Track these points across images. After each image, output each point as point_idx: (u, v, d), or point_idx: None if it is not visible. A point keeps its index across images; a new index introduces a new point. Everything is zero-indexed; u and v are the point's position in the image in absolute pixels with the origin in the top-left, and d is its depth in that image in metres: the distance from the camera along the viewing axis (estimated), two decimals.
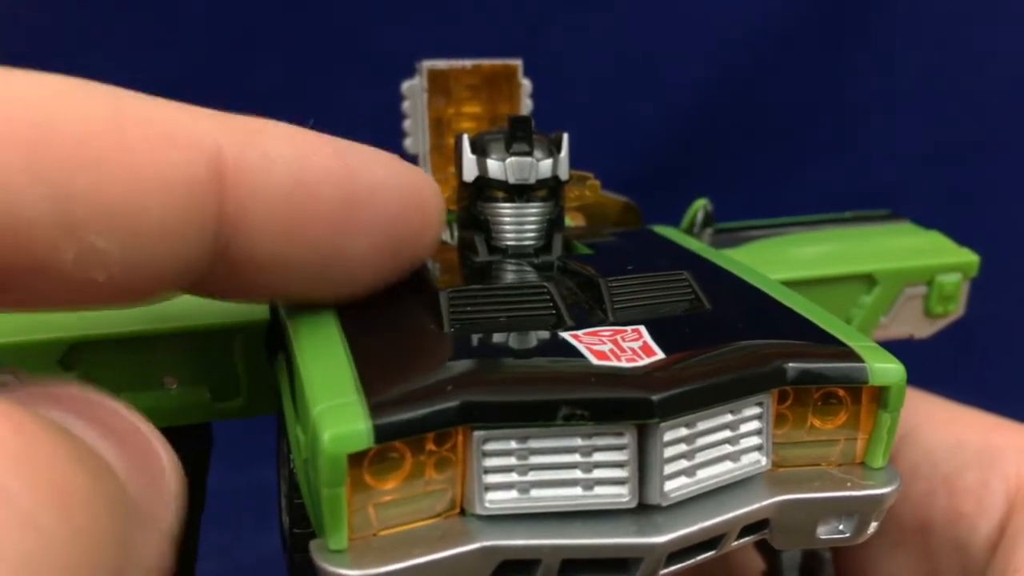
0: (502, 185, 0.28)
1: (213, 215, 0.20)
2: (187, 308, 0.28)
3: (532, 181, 0.28)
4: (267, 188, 0.21)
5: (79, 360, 0.27)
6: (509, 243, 0.28)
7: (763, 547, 0.31)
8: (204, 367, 0.28)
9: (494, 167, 0.28)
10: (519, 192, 0.28)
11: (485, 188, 0.28)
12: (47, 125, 0.18)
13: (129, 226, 0.19)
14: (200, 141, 0.20)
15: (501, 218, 0.28)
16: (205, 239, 0.20)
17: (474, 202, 0.28)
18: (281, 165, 0.21)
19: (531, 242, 0.28)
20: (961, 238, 0.35)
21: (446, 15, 0.63)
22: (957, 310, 0.35)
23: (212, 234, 0.20)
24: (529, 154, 0.27)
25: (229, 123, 0.21)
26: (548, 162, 0.28)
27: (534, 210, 0.28)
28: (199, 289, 0.22)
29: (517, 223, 0.28)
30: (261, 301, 0.26)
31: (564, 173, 0.28)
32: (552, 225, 0.29)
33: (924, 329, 0.35)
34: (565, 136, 0.28)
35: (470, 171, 0.28)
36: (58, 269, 0.19)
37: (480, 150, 0.28)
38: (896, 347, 0.23)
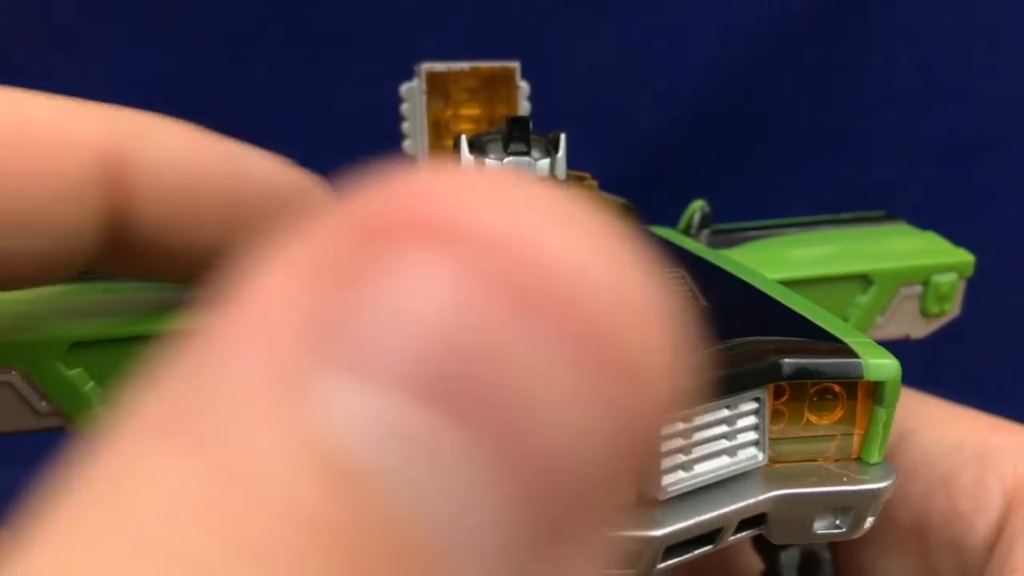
0: None
1: (101, 212, 0.21)
2: (189, 308, 0.28)
3: None
4: (155, 186, 0.22)
5: (81, 358, 0.27)
6: None
7: (761, 547, 0.31)
8: None
9: (492, 167, 0.28)
10: None
11: None
12: None
13: (32, 228, 0.20)
14: (91, 141, 0.21)
15: None
16: (92, 234, 0.21)
17: None
18: (170, 165, 0.22)
19: None
20: (960, 238, 0.36)
21: (445, 16, 0.63)
22: (953, 310, 0.35)
23: (100, 229, 0.22)
24: (526, 154, 0.28)
25: (121, 121, 0.22)
26: (545, 162, 0.28)
27: None
28: (96, 269, 0.24)
29: None
30: (163, 280, 0.28)
31: (561, 173, 0.29)
32: None
33: (920, 329, 0.35)
34: (563, 136, 0.28)
35: None
36: None
37: (478, 150, 0.28)
38: (893, 347, 0.24)
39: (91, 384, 0.27)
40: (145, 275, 0.26)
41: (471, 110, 0.34)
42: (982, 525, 0.30)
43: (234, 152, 0.24)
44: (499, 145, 0.28)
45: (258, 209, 0.24)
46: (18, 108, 0.21)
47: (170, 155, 0.22)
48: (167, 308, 0.28)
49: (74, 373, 0.27)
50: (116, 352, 0.27)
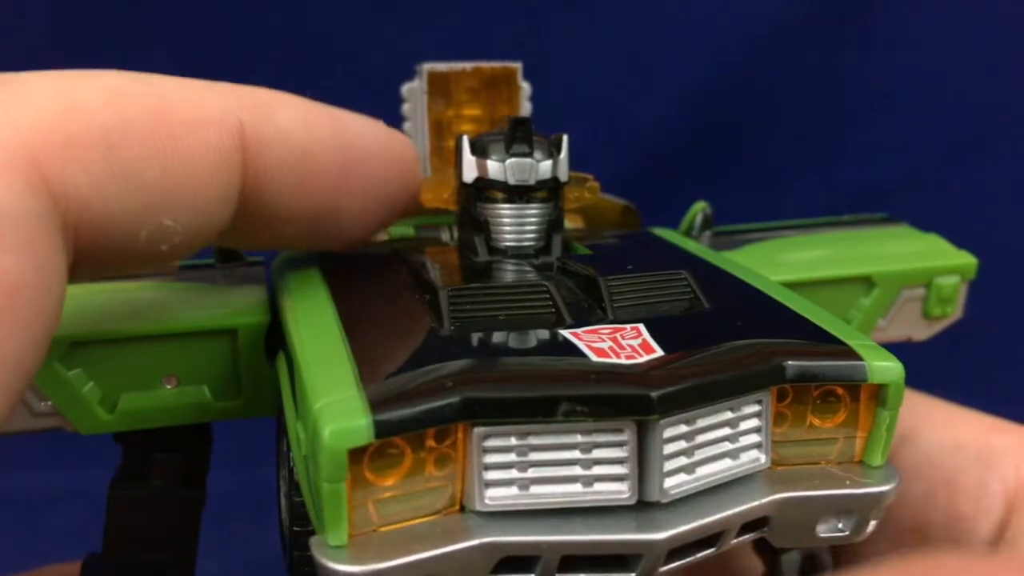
0: (502, 186, 0.28)
1: (239, 181, 0.23)
2: (188, 309, 0.28)
3: (532, 182, 0.28)
4: (279, 157, 0.23)
5: (79, 358, 0.27)
6: (509, 244, 0.28)
7: (763, 550, 0.31)
8: (204, 367, 0.28)
9: (494, 168, 0.28)
10: (519, 193, 0.28)
11: (485, 189, 0.28)
12: (116, 128, 0.21)
13: (187, 203, 0.22)
14: (227, 118, 0.22)
15: (501, 219, 0.28)
16: (233, 202, 0.23)
17: (473, 203, 0.28)
18: (291, 138, 0.24)
19: (531, 243, 0.28)
20: (960, 238, 0.36)
21: (445, 17, 0.63)
22: (955, 312, 0.35)
23: (237, 199, 0.23)
24: (529, 155, 0.28)
25: (246, 98, 0.23)
26: (548, 163, 0.28)
27: (534, 211, 0.28)
28: (220, 241, 0.25)
29: (517, 224, 0.28)
30: (268, 249, 0.30)
31: (564, 175, 0.28)
32: (552, 226, 0.29)
33: (922, 331, 0.35)
34: (565, 138, 0.28)
35: (470, 172, 0.28)
36: (132, 247, 0.22)
37: (480, 151, 0.28)
38: (894, 349, 0.23)
39: (90, 384, 0.27)
40: (261, 244, 0.27)
41: (472, 110, 0.34)
42: (983, 526, 0.30)
43: (342, 118, 0.25)
44: (501, 146, 0.28)
45: (365, 171, 0.25)
46: (155, 90, 0.22)
47: (290, 126, 0.24)
48: (166, 309, 0.28)
49: (73, 373, 0.27)
50: (115, 353, 0.27)
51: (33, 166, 0.19)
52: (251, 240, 0.26)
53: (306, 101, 0.25)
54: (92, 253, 0.21)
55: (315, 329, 0.23)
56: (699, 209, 0.36)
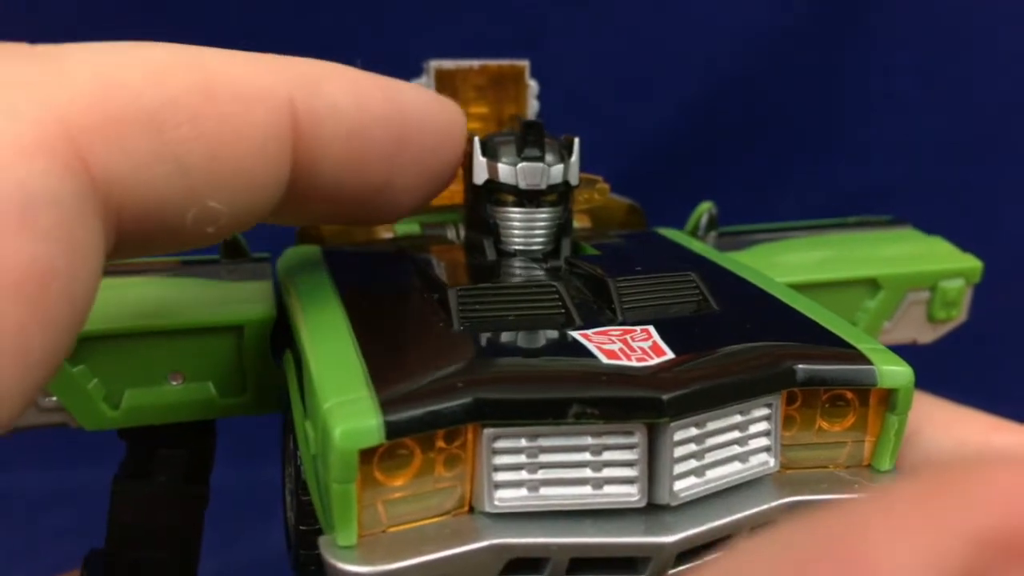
0: (512, 190, 0.28)
1: (289, 160, 0.22)
2: (195, 305, 0.28)
3: (543, 186, 0.28)
4: (331, 133, 0.22)
5: (85, 354, 0.26)
6: (517, 247, 0.28)
7: None
8: (210, 364, 0.28)
9: (505, 171, 0.27)
10: (529, 197, 0.28)
11: (495, 192, 0.28)
12: (161, 108, 0.19)
13: (234, 184, 0.21)
14: (276, 94, 0.21)
15: (510, 222, 0.28)
16: (285, 181, 0.22)
17: (483, 204, 0.28)
18: (342, 112, 0.22)
19: (539, 247, 0.28)
20: (962, 239, 0.36)
21: (447, 15, 0.63)
22: (960, 315, 0.35)
23: (288, 176, 0.22)
24: (540, 159, 0.27)
25: (295, 71, 0.22)
26: (559, 167, 0.28)
27: (544, 215, 0.28)
28: (270, 219, 0.24)
29: (526, 228, 0.28)
30: (320, 223, 0.29)
31: (574, 178, 0.28)
32: (561, 230, 0.29)
33: (927, 334, 0.35)
34: (576, 140, 0.28)
35: (480, 174, 0.28)
36: (179, 228, 0.21)
37: (491, 153, 0.28)
38: (899, 351, 0.23)
39: (95, 380, 0.27)
40: (314, 219, 0.26)
41: (479, 108, 0.34)
42: None
43: (394, 89, 0.24)
44: (512, 148, 0.28)
45: (418, 142, 0.24)
46: (200, 65, 0.21)
47: (342, 99, 0.23)
48: (171, 305, 0.28)
49: (78, 369, 0.27)
50: (120, 349, 0.27)
51: (71, 147, 0.18)
52: (303, 216, 0.25)
53: (356, 72, 0.23)
54: (135, 236, 0.20)
55: (324, 328, 0.23)
56: (705, 209, 0.35)
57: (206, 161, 0.20)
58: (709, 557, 0.21)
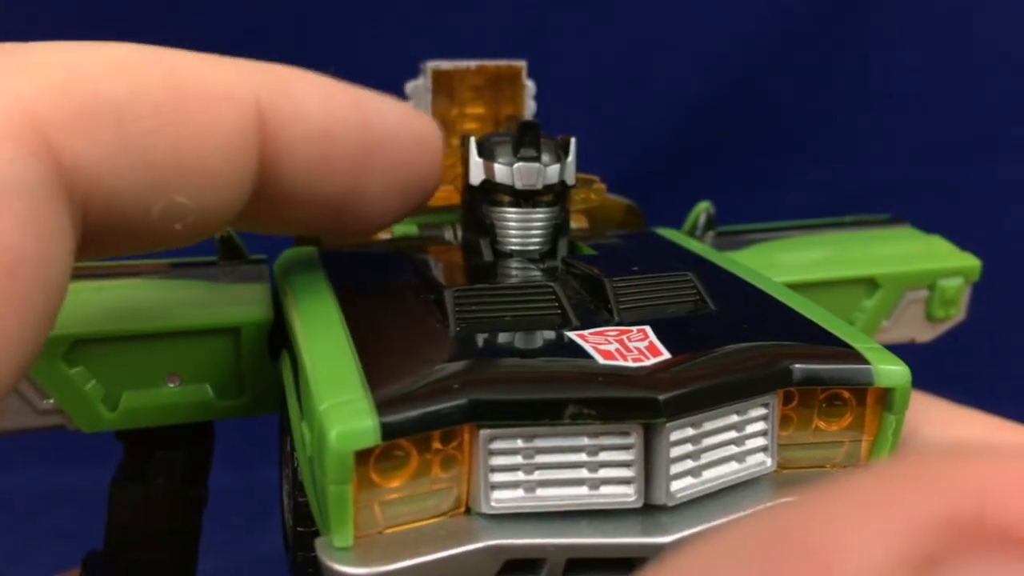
0: (509, 190, 0.28)
1: (255, 160, 0.22)
2: (192, 307, 0.28)
3: (539, 187, 0.28)
4: (298, 136, 0.22)
5: (82, 356, 0.26)
6: (514, 247, 0.28)
7: None
8: (208, 366, 0.28)
9: (501, 172, 0.27)
10: (526, 197, 0.28)
11: (491, 192, 0.28)
12: (126, 100, 0.20)
13: (200, 180, 0.21)
14: (243, 94, 0.21)
15: (507, 223, 0.28)
16: (251, 182, 0.22)
17: (479, 205, 0.28)
18: (309, 115, 0.23)
19: (536, 247, 0.28)
20: (961, 238, 0.36)
21: (446, 15, 0.63)
22: (958, 314, 0.35)
23: (255, 176, 0.22)
24: (537, 159, 0.27)
25: (263, 74, 0.22)
26: (555, 167, 0.28)
27: (540, 215, 0.28)
28: (237, 224, 0.24)
29: (523, 228, 0.28)
30: (287, 234, 0.29)
31: (571, 178, 0.28)
32: (557, 230, 0.29)
33: (926, 333, 0.35)
34: (572, 140, 0.28)
35: (476, 174, 0.28)
36: (145, 224, 0.21)
37: (487, 154, 0.28)
38: (896, 351, 0.23)
39: (92, 382, 0.27)
40: (283, 228, 0.26)
41: (476, 109, 0.34)
42: None
43: (362, 97, 0.24)
44: (509, 149, 0.27)
45: (389, 153, 0.24)
46: (167, 64, 0.21)
47: (310, 104, 0.23)
48: (168, 307, 0.28)
49: (75, 371, 0.27)
50: (117, 351, 0.27)
51: (38, 136, 0.18)
52: (272, 224, 0.25)
53: (325, 78, 0.24)
54: (103, 230, 0.20)
55: (320, 329, 0.23)
56: (703, 209, 0.35)
57: (171, 154, 0.20)
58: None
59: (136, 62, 0.20)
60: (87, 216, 0.20)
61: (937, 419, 0.32)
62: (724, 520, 0.21)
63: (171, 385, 0.28)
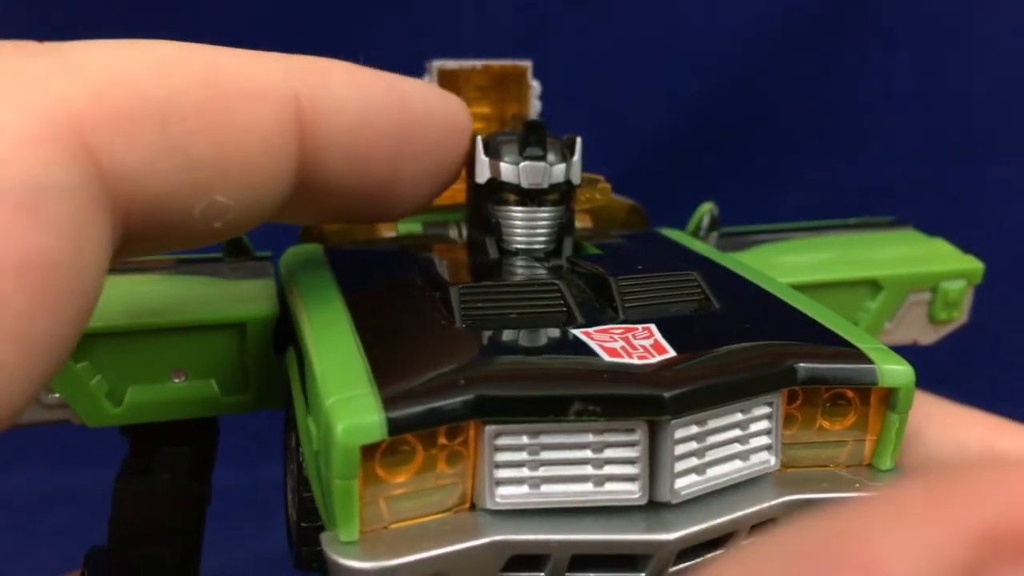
0: (515, 189, 0.28)
1: (296, 155, 0.22)
2: (198, 303, 0.28)
3: (545, 186, 0.28)
4: (336, 128, 0.22)
5: (88, 351, 0.27)
6: (519, 246, 0.28)
7: None
8: (213, 361, 0.28)
9: (507, 170, 0.28)
10: (531, 196, 0.28)
11: (497, 191, 0.28)
12: (168, 100, 0.19)
13: (241, 178, 0.21)
14: (281, 89, 0.21)
15: (512, 221, 0.28)
16: (292, 177, 0.22)
17: (485, 204, 0.28)
18: (347, 107, 0.23)
19: (541, 245, 0.28)
20: (963, 240, 0.36)
21: (446, 14, 0.63)
22: (961, 317, 0.35)
23: (295, 172, 0.22)
24: (542, 158, 0.27)
25: (300, 67, 0.22)
26: (561, 167, 0.28)
27: (546, 214, 0.28)
28: (278, 217, 0.24)
29: (528, 227, 0.28)
30: (327, 222, 0.29)
31: (576, 177, 0.28)
32: (563, 229, 0.29)
33: (928, 335, 0.35)
34: (578, 140, 0.28)
35: (482, 173, 0.28)
36: (186, 223, 0.21)
37: (493, 152, 0.28)
38: (899, 352, 0.23)
39: (98, 377, 0.27)
40: (322, 215, 0.26)
41: (482, 108, 0.34)
42: None
43: (396, 82, 0.24)
44: (515, 147, 0.28)
45: (423, 137, 0.24)
46: (206, 61, 0.21)
47: (346, 94, 0.23)
48: (174, 302, 0.28)
49: (81, 366, 0.27)
50: (123, 346, 0.27)
51: (78, 139, 0.18)
52: (309, 215, 0.25)
53: (359, 67, 0.23)
54: (144, 231, 0.20)
55: (326, 325, 0.23)
56: (706, 210, 0.36)
57: (213, 154, 0.20)
58: (710, 555, 0.21)
59: (176, 61, 0.20)
60: (129, 219, 0.20)
61: (940, 419, 0.32)
62: (727, 519, 0.21)
63: (176, 380, 0.28)
